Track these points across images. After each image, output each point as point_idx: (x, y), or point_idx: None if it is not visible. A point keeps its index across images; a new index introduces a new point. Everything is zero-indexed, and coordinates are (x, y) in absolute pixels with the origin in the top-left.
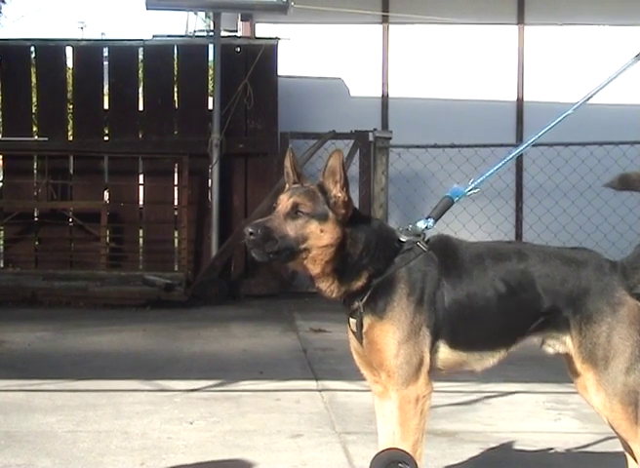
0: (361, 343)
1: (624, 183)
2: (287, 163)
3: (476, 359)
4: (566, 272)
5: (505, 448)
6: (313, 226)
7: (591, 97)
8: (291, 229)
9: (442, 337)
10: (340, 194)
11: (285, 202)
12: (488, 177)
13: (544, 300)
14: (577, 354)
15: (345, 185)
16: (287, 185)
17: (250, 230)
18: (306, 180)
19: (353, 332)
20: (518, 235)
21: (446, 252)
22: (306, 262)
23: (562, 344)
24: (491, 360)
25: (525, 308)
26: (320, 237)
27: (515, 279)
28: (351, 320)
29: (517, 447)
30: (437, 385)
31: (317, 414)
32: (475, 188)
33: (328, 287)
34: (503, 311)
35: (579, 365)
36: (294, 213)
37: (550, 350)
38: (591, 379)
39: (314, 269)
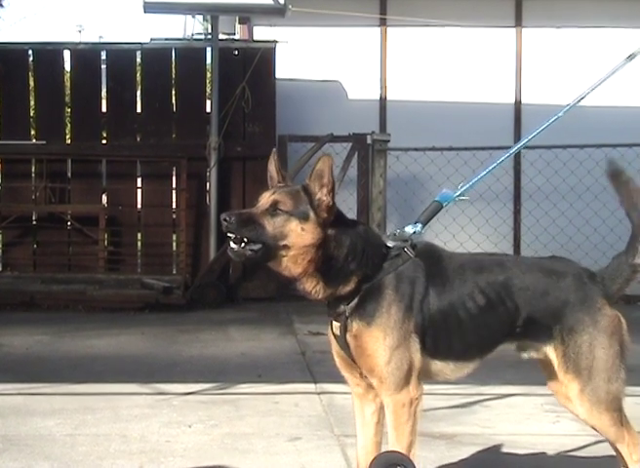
0: (342, 347)
1: (614, 178)
2: (271, 167)
3: (451, 369)
4: (546, 283)
5: (504, 451)
6: (293, 224)
7: (583, 98)
8: (269, 225)
9: (424, 346)
10: (324, 198)
11: (266, 199)
12: (477, 183)
13: (523, 312)
14: (560, 364)
15: (332, 191)
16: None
17: (224, 216)
18: (291, 182)
19: (335, 336)
20: (516, 237)
21: (431, 260)
22: (286, 261)
23: (537, 352)
24: (465, 370)
25: (503, 319)
26: (302, 236)
27: (494, 291)
28: (335, 323)
29: (515, 449)
30: (435, 388)
31: (316, 417)
32: (463, 194)
33: (313, 287)
34: (481, 322)
35: (562, 375)
36: (272, 210)
37: (525, 355)
38: (575, 389)
39: (295, 269)
